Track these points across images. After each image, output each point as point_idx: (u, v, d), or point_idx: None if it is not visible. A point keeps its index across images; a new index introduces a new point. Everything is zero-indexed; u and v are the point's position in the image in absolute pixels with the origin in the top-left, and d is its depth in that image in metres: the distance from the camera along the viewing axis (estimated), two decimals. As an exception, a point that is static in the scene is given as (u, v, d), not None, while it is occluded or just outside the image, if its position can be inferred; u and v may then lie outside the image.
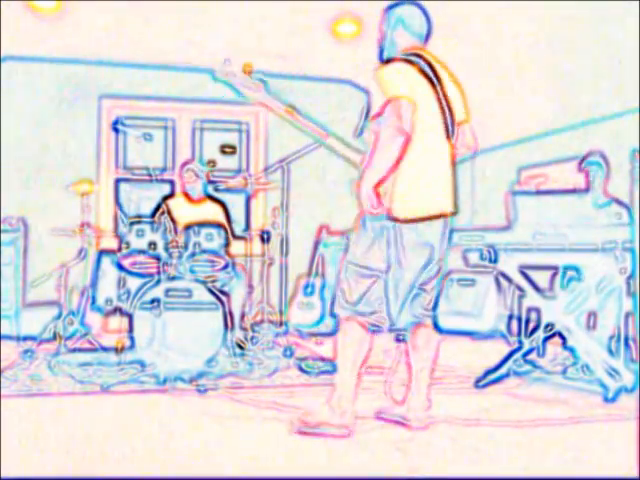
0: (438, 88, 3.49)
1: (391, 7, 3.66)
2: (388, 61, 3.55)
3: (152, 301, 4.64)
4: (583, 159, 5.03)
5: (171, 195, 6.45)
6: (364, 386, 4.53)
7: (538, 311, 4.89)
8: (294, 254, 5.78)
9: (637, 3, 4.88)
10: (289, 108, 3.63)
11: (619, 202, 4.70)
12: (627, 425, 3.64)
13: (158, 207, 5.71)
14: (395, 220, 3.42)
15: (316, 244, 7.00)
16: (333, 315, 3.73)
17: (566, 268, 4.54)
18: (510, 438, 3.56)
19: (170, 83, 7.22)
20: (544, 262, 4.50)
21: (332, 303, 3.75)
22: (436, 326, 3.68)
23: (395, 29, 3.62)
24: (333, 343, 3.69)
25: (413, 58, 3.50)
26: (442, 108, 3.49)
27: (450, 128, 3.52)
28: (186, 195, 5.91)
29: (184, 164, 6.11)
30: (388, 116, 3.40)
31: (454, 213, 3.55)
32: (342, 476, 3.03)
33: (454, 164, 3.57)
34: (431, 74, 3.49)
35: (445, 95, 3.51)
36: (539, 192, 6.32)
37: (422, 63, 3.49)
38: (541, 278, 4.68)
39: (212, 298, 4.70)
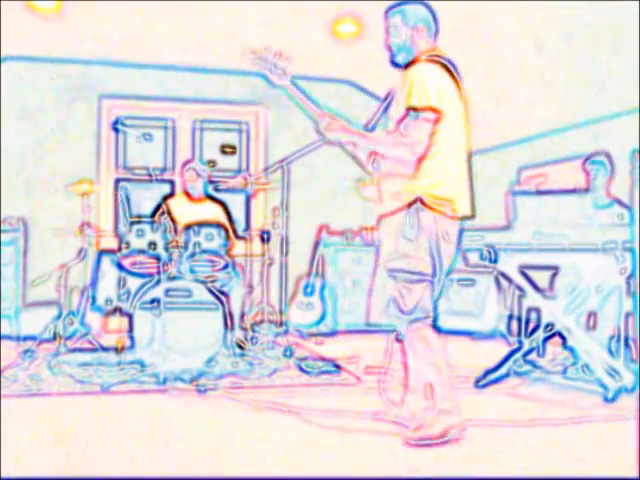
0: (463, 91, 3.45)
1: (396, 5, 3.54)
2: (413, 62, 3.44)
3: (152, 301, 4.64)
4: (587, 158, 5.03)
5: (171, 195, 6.45)
6: (365, 386, 4.56)
7: (538, 311, 4.89)
8: (294, 254, 5.79)
9: (637, 3, 4.88)
10: (319, 108, 3.58)
11: (621, 203, 4.70)
12: (627, 425, 3.64)
13: (158, 207, 5.72)
14: (451, 218, 3.38)
15: (316, 244, 7.00)
16: (370, 324, 3.59)
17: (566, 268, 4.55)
18: (510, 438, 3.56)
19: (170, 83, 7.23)
20: (544, 262, 4.50)
21: (368, 312, 3.63)
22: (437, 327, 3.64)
23: (415, 28, 3.49)
24: (402, 353, 3.54)
25: (442, 60, 3.42)
26: (467, 112, 3.45)
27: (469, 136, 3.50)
28: (187, 194, 5.91)
29: (185, 163, 6.12)
30: (411, 125, 3.34)
31: (469, 218, 3.53)
32: (342, 476, 3.03)
33: (471, 171, 3.55)
34: (458, 76, 3.43)
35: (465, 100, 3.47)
36: (539, 192, 6.33)
37: (450, 65, 3.42)
38: (541, 278, 4.68)
39: (212, 298, 4.70)
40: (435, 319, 3.58)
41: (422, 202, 3.35)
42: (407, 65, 3.49)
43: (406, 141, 3.35)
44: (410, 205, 3.37)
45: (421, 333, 3.43)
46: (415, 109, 3.31)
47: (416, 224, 3.36)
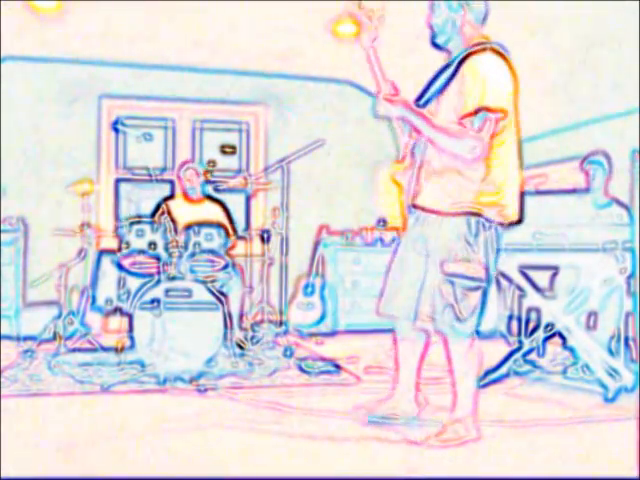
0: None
1: None
2: (475, 51, 3.25)
3: (152, 301, 4.64)
4: (585, 158, 5.03)
5: (171, 196, 6.45)
6: (364, 386, 4.56)
7: (538, 311, 4.89)
8: (294, 254, 5.79)
9: (637, 3, 4.88)
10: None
11: (619, 203, 4.70)
12: (627, 425, 3.64)
13: (158, 207, 5.71)
14: (481, 217, 3.28)
15: (316, 244, 7.00)
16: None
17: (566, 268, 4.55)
18: (510, 438, 3.56)
19: (170, 83, 7.22)
20: (544, 262, 4.50)
21: (378, 307, 3.54)
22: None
23: (459, 12, 3.31)
24: (453, 362, 3.45)
25: (504, 51, 3.27)
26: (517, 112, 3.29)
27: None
28: (185, 195, 5.91)
29: (182, 165, 6.11)
30: (480, 124, 3.19)
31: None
32: (342, 476, 3.02)
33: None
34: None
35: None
36: (539, 192, 6.32)
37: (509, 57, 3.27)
38: (541, 278, 4.68)
39: (212, 298, 4.70)
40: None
41: (484, 214, 3.26)
42: (460, 54, 3.29)
43: (473, 138, 3.18)
44: (473, 213, 3.27)
45: (475, 344, 3.38)
46: (488, 109, 3.17)
47: (476, 229, 3.27)
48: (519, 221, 3.37)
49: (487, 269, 3.30)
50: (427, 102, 3.40)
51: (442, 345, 3.47)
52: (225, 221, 5.79)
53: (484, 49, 3.25)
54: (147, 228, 5.00)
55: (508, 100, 3.22)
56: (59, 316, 5.31)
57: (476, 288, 3.30)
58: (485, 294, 3.33)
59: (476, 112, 3.17)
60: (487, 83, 3.17)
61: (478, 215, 3.26)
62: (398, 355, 3.63)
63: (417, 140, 3.43)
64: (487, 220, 3.27)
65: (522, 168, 3.36)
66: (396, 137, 3.60)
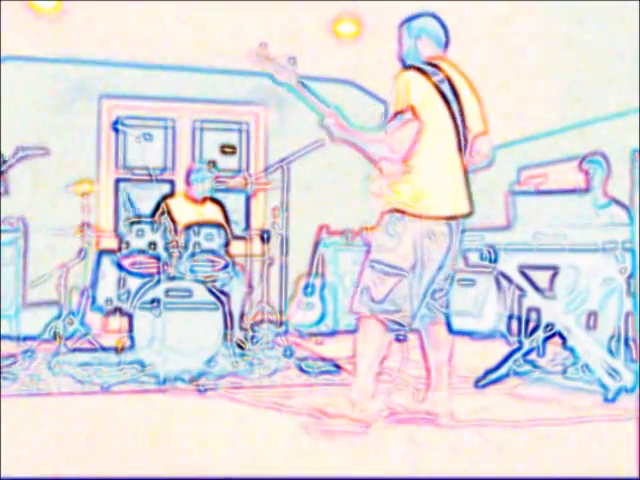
0: (452, 100, 3.61)
1: (410, 19, 3.78)
2: (402, 70, 3.66)
3: (152, 301, 4.64)
4: (584, 158, 5.03)
5: (171, 195, 6.44)
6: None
7: (538, 311, 4.89)
8: (294, 254, 5.79)
9: (637, 3, 4.88)
10: (324, 104, 3.70)
11: (618, 203, 4.70)
12: (627, 425, 3.64)
13: (158, 206, 5.71)
14: (403, 213, 3.55)
15: (316, 244, 7.00)
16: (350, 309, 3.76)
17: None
18: (510, 438, 3.56)
19: (170, 83, 7.22)
20: (544, 262, 4.50)
21: (351, 301, 3.78)
22: (448, 324, 3.78)
23: (418, 38, 3.73)
24: (353, 341, 3.73)
25: (427, 68, 3.63)
26: (455, 121, 3.60)
27: (463, 140, 3.63)
28: (187, 195, 5.90)
29: (190, 171, 6.06)
30: (395, 127, 3.55)
31: (464, 216, 3.67)
32: (342, 476, 3.03)
33: (466, 172, 3.67)
34: (446, 85, 3.60)
35: (461, 108, 3.62)
36: (539, 192, 6.31)
37: (437, 73, 3.61)
38: (541, 278, 4.68)
39: (212, 298, 4.70)
40: (447, 318, 3.77)
41: (399, 210, 3.56)
42: None
43: (388, 139, 3.56)
44: (397, 210, 3.58)
45: (374, 325, 3.57)
46: (400, 112, 3.54)
47: (399, 223, 3.57)
48: (468, 214, 3.66)
49: (413, 260, 3.56)
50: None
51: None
52: (223, 221, 5.78)
53: (408, 67, 3.66)
54: (147, 228, 5.00)
55: (421, 104, 3.54)
56: (59, 316, 5.30)
57: (393, 275, 3.54)
58: (411, 285, 3.57)
59: (394, 117, 3.57)
60: (401, 92, 3.57)
61: (402, 212, 3.56)
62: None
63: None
64: (414, 216, 3.54)
65: (459, 167, 3.63)
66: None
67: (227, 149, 7.44)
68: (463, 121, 3.63)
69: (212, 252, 5.09)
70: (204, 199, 5.87)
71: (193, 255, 5.01)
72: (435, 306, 3.71)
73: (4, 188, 4.91)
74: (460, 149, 3.63)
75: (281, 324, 5.68)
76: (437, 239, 3.57)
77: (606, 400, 4.22)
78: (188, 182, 5.93)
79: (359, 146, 3.86)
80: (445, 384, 3.74)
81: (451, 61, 3.74)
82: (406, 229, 3.55)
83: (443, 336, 3.75)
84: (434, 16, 3.77)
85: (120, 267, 5.14)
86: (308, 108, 3.83)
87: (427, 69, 3.62)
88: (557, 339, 4.66)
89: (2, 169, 4.82)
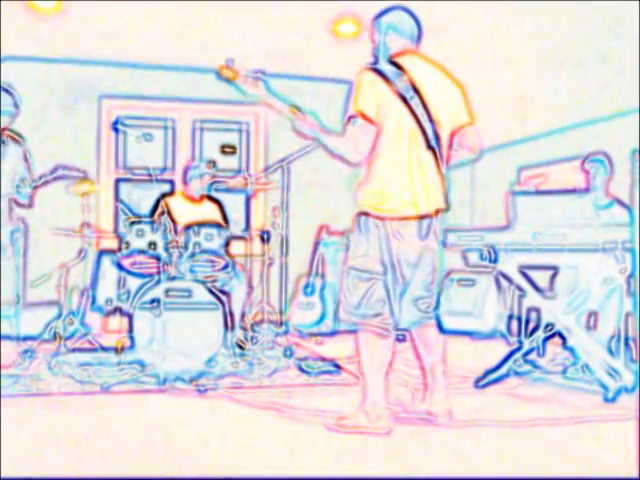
0: (412, 97, 3.52)
1: (380, 15, 3.71)
2: (360, 70, 3.60)
3: (152, 301, 4.64)
4: (586, 158, 5.02)
5: (170, 193, 6.43)
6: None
7: (538, 311, 4.89)
8: (294, 254, 5.79)
9: (637, 3, 4.88)
10: (292, 107, 3.67)
11: (621, 203, 4.70)
12: (627, 425, 3.64)
13: (156, 204, 5.70)
14: (368, 215, 3.54)
15: (316, 244, 7.00)
16: (337, 319, 3.77)
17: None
18: (510, 438, 3.56)
19: (170, 83, 7.22)
20: (544, 262, 4.50)
21: (337, 307, 3.79)
22: (439, 325, 3.74)
23: (387, 35, 3.67)
24: (354, 341, 3.68)
25: (386, 67, 3.56)
26: (418, 119, 3.52)
27: (434, 136, 3.55)
28: (185, 194, 5.89)
29: (187, 168, 6.06)
30: (350, 131, 3.53)
31: (437, 214, 3.59)
32: (342, 476, 3.03)
33: (440, 168, 3.58)
34: (404, 83, 3.52)
35: (426, 105, 3.53)
36: (539, 192, 6.32)
37: (395, 72, 3.54)
38: (541, 278, 4.68)
39: (212, 298, 4.70)
40: (438, 318, 3.73)
41: (365, 213, 3.55)
42: None
43: (345, 141, 3.55)
44: (363, 212, 3.57)
45: (370, 335, 3.54)
46: (350, 116, 3.52)
47: (364, 226, 3.55)
48: (445, 209, 3.62)
49: (384, 262, 3.53)
50: None
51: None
52: (221, 220, 5.77)
53: (365, 68, 3.59)
54: (147, 228, 5.00)
55: (377, 107, 3.50)
56: (59, 316, 5.30)
57: (367, 280, 3.53)
58: (386, 287, 3.54)
59: (349, 121, 3.54)
60: (354, 94, 3.55)
61: (367, 214, 3.54)
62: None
63: None
64: (378, 218, 3.52)
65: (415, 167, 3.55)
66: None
67: (227, 149, 7.44)
68: (430, 117, 3.54)
69: (212, 252, 5.09)
70: (201, 198, 5.86)
71: (193, 255, 5.01)
72: (420, 312, 3.63)
73: (30, 200, 4.95)
74: (430, 147, 3.54)
75: (281, 324, 5.68)
76: (405, 239, 3.52)
77: (606, 400, 4.22)
78: (185, 181, 5.93)
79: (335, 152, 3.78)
80: (441, 384, 3.71)
81: (423, 54, 3.65)
82: (372, 231, 3.52)
83: (434, 337, 3.71)
84: (405, 9, 3.69)
85: (120, 267, 5.14)
86: (283, 115, 3.78)
87: (384, 69, 3.56)
88: (557, 339, 4.66)
89: (37, 183, 4.85)
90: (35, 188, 4.98)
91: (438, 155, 3.57)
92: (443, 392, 3.72)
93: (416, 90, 3.53)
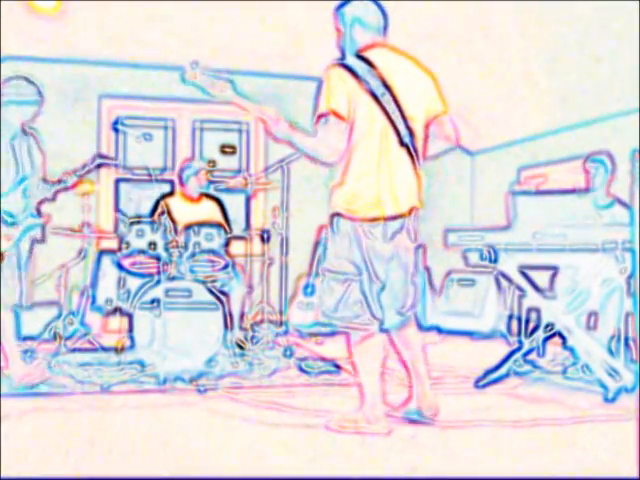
0: (383, 94, 3.43)
1: (341, 6, 3.59)
2: (328, 67, 3.51)
3: (152, 301, 4.64)
4: (588, 157, 5.02)
5: (170, 194, 6.43)
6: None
7: (538, 311, 4.89)
8: (294, 254, 5.78)
9: (637, 3, 4.88)
10: (261, 107, 3.62)
11: (621, 202, 4.70)
12: (627, 425, 3.64)
13: (156, 205, 5.70)
14: (340, 216, 3.48)
15: (316, 244, 6.99)
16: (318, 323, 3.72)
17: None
18: (510, 438, 3.56)
19: (170, 83, 7.22)
20: (544, 262, 4.50)
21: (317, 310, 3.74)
22: (418, 323, 3.68)
23: (352, 28, 3.56)
24: (349, 354, 3.68)
25: (354, 62, 3.47)
26: (389, 115, 3.43)
27: (407, 132, 3.45)
28: (184, 194, 5.88)
29: (185, 164, 6.06)
30: (321, 131, 3.46)
31: (410, 212, 3.50)
32: (342, 476, 3.02)
33: (415, 165, 3.49)
34: (373, 79, 3.43)
35: (397, 99, 3.43)
36: (539, 192, 6.32)
37: (363, 68, 3.45)
38: (541, 278, 4.68)
39: (212, 298, 4.70)
40: (416, 316, 3.66)
41: (338, 213, 3.49)
42: None
43: (318, 141, 3.48)
44: (336, 213, 3.50)
45: (360, 337, 3.51)
46: (320, 115, 3.44)
47: (337, 227, 3.49)
48: (413, 210, 3.50)
49: (358, 263, 3.46)
50: None
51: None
52: (221, 219, 5.77)
53: (334, 64, 3.51)
54: (147, 228, 5.00)
55: (348, 104, 3.41)
56: (59, 316, 5.31)
57: (343, 281, 3.47)
58: (362, 288, 3.47)
59: (318, 120, 3.46)
60: (323, 93, 3.45)
61: (339, 215, 3.48)
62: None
63: None
64: (350, 219, 3.46)
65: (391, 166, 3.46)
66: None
67: (227, 149, 7.44)
68: (403, 114, 3.44)
69: (212, 252, 5.09)
70: (200, 197, 5.85)
71: (193, 255, 5.01)
72: (397, 312, 3.55)
73: (52, 195, 4.95)
74: (404, 144, 3.45)
75: (281, 324, 5.68)
76: (377, 239, 3.45)
77: (606, 400, 4.22)
78: (182, 182, 5.91)
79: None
80: (424, 378, 3.64)
81: (392, 46, 3.54)
82: (344, 232, 3.47)
83: (412, 335, 3.64)
84: (373, 2, 3.56)
85: (120, 267, 5.14)
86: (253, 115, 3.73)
87: (354, 64, 3.47)
88: (557, 339, 4.66)
89: (81, 173, 4.84)
90: (80, 177, 4.97)
91: (412, 152, 3.48)
92: (427, 387, 3.66)
93: (387, 86, 3.43)
